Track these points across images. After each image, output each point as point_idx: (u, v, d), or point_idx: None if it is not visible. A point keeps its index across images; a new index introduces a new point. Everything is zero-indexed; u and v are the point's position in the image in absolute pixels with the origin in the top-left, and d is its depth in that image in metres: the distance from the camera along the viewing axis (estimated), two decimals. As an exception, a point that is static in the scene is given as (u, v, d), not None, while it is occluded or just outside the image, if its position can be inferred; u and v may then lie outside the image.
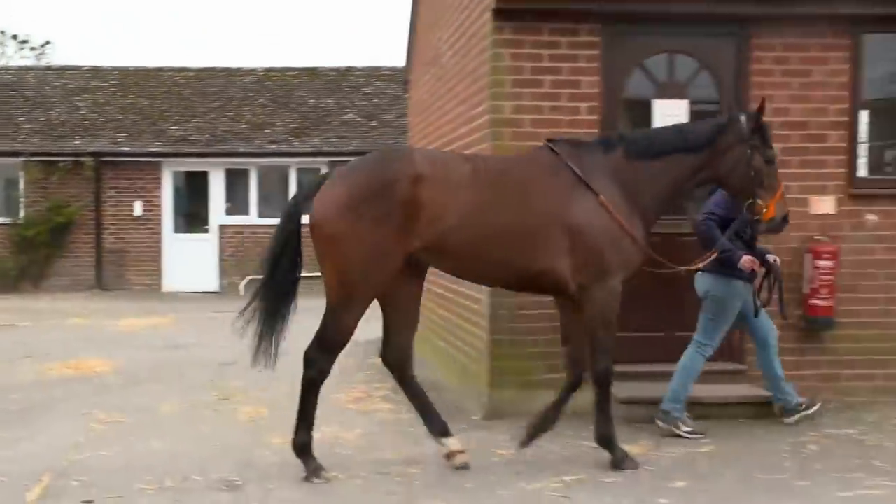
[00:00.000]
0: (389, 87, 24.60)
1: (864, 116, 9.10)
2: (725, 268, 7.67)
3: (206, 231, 22.91)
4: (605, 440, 6.96)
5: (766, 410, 8.34)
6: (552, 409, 7.18)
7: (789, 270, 8.68)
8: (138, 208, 22.62)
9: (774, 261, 7.87)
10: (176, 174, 22.99)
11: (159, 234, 22.75)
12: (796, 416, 8.13)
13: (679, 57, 8.86)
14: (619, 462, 6.89)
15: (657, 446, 7.48)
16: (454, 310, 10.00)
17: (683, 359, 7.93)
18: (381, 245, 6.57)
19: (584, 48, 8.58)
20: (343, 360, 12.06)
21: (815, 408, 8.17)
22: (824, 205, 8.93)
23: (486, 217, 6.69)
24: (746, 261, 7.65)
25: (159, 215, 22.74)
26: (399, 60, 17.11)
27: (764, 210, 6.99)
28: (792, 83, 8.84)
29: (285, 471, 6.87)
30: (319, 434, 7.89)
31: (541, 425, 7.19)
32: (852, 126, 8.93)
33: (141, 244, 22.66)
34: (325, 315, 6.91)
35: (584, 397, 8.40)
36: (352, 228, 6.56)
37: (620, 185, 6.89)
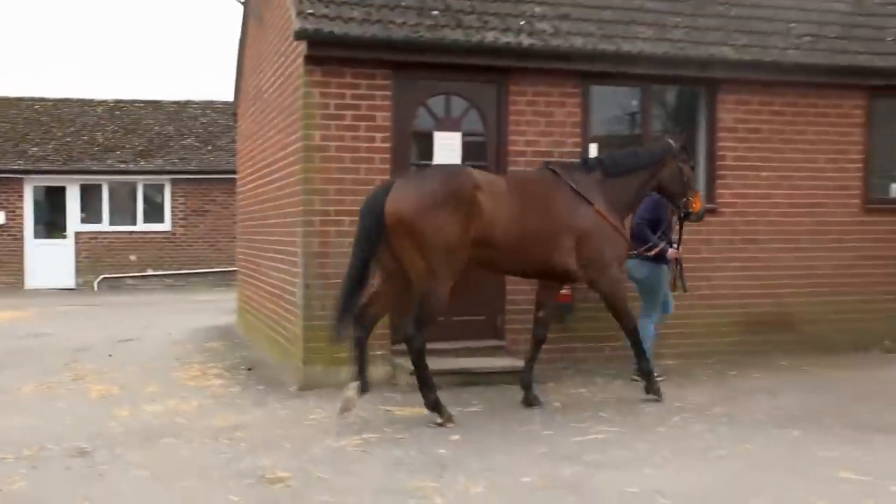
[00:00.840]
0: (222, 117, 23.96)
1: (593, 148, 9.35)
2: (657, 259, 8.47)
3: (64, 237, 21.70)
4: (647, 373, 7.73)
5: (522, 376, 8.51)
6: (529, 362, 7.66)
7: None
8: (1, 217, 21.26)
9: (678, 248, 8.54)
10: (36, 189, 21.65)
11: (21, 239, 21.44)
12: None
13: (454, 98, 8.96)
14: (653, 389, 7.70)
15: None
16: (279, 303, 9.83)
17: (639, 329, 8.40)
18: (457, 232, 6.79)
19: (378, 89, 8.59)
20: (183, 343, 11.75)
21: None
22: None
23: (520, 221, 7.11)
24: (672, 253, 8.45)
25: (21, 224, 21.43)
26: (229, 96, 16.71)
27: (693, 205, 7.94)
28: (540, 121, 9.04)
29: (131, 438, 6.60)
30: (162, 406, 7.65)
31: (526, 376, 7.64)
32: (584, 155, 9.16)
33: (4, 248, 21.32)
34: (420, 296, 6.90)
35: (376, 372, 8.46)
36: (435, 222, 6.72)
37: (604, 196, 7.49)
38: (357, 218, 7.12)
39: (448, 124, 8.92)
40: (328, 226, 8.47)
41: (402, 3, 8.76)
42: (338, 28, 8.25)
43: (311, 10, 8.32)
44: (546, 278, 7.61)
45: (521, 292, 8.91)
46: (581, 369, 8.99)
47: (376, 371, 8.49)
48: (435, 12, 8.81)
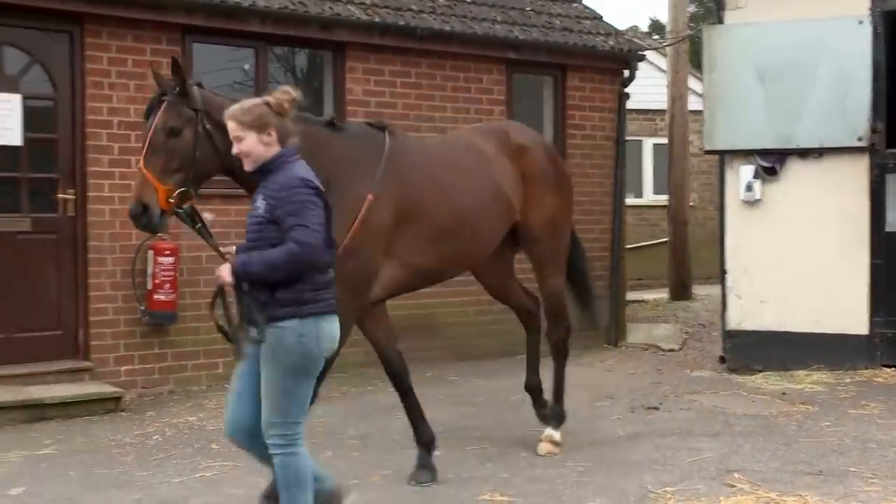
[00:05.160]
0: None
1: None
2: None
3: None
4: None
5: (113, 405, 8.01)
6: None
7: (134, 267, 8.53)
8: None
9: None
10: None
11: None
12: None
13: (8, 48, 8.23)
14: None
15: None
16: None
17: None
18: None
19: None
20: None
21: None
22: (163, 206, 8.77)
23: None
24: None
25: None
26: None
27: None
28: (128, 85, 8.58)
29: None
30: None
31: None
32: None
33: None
34: None
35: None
36: None
37: None
38: None
39: (1, 83, 8.16)
40: None
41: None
42: None
43: None
44: None
45: (108, 299, 8.46)
46: (190, 392, 8.77)
47: None
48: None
